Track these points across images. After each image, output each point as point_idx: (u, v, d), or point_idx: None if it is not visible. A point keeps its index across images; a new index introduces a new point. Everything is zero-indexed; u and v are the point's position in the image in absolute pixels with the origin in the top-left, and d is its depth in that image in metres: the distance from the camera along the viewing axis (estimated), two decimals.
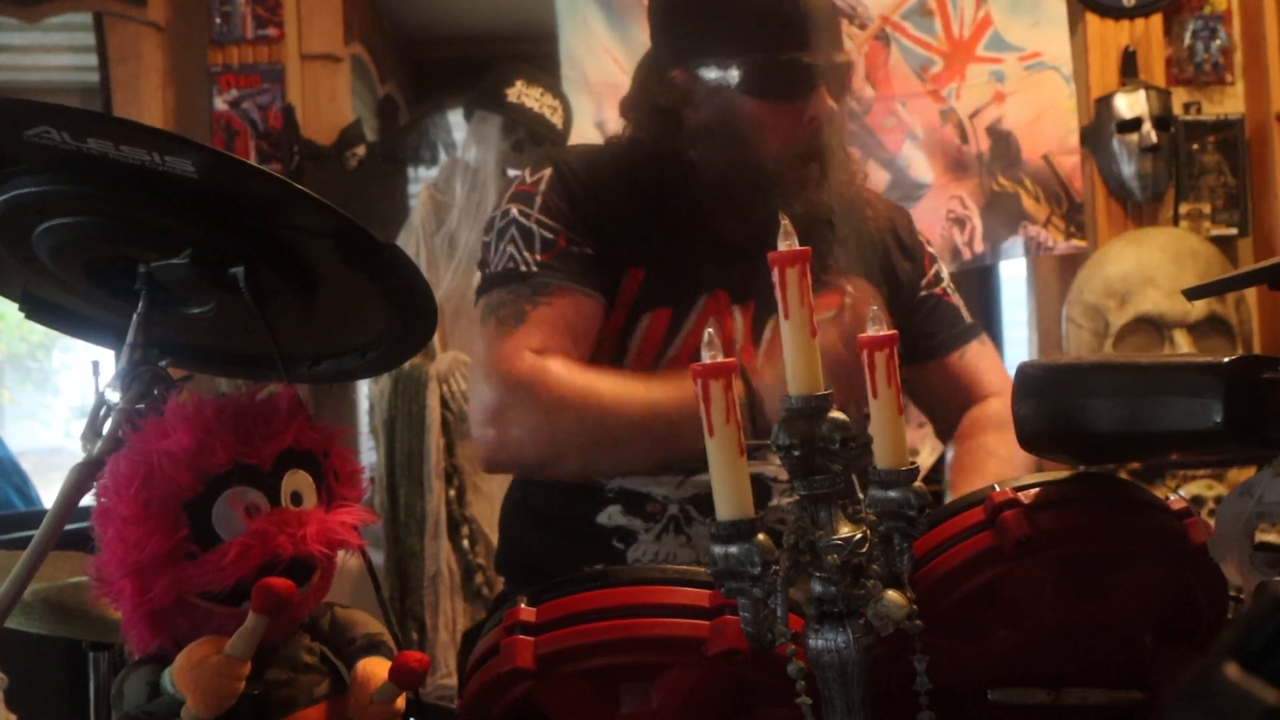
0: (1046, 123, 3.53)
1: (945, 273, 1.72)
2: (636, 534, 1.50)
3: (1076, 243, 3.54)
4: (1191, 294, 1.11)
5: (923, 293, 1.67)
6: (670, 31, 1.59)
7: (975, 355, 1.68)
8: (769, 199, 1.48)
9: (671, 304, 1.52)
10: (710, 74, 1.52)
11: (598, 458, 1.47)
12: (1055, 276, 3.71)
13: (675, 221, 1.54)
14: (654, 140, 1.57)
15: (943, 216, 3.51)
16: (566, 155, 1.61)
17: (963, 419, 1.66)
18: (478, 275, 1.58)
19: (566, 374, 1.44)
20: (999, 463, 1.56)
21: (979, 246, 3.55)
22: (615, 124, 1.69)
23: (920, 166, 3.55)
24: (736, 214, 1.53)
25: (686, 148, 1.55)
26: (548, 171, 1.56)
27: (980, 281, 4.13)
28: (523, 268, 1.51)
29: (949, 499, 1.56)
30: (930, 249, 1.72)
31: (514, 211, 1.54)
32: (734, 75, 1.51)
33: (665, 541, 1.50)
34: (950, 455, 1.67)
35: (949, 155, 3.55)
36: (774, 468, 1.47)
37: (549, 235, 1.51)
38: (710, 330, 0.85)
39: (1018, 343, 3.99)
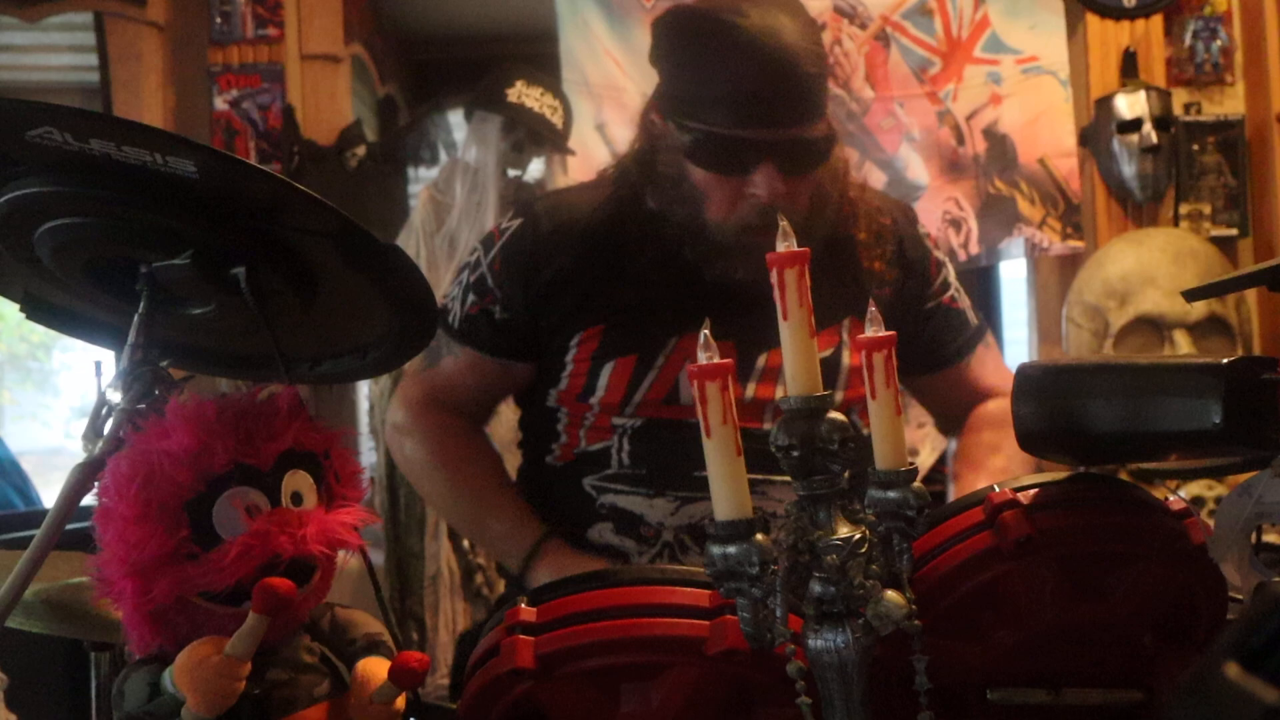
0: (1043, 126, 3.54)
1: (951, 274, 1.69)
2: (629, 556, 1.49)
3: (1073, 243, 3.56)
4: (1191, 295, 1.11)
5: (930, 304, 1.64)
6: (657, 70, 1.56)
7: (981, 358, 1.68)
8: (718, 262, 1.47)
9: (635, 351, 1.51)
10: (673, 127, 1.48)
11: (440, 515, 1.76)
12: (1055, 276, 3.71)
13: (644, 265, 1.52)
14: (631, 177, 1.56)
15: (939, 218, 3.53)
16: (539, 207, 1.60)
17: (969, 416, 1.66)
18: None
19: (422, 446, 1.66)
20: (1003, 458, 1.56)
21: (974, 248, 3.57)
22: (615, 126, 1.70)
23: (917, 168, 3.56)
24: (690, 275, 1.51)
25: (650, 195, 1.53)
26: (516, 224, 1.59)
27: (980, 281, 4.13)
28: (450, 317, 1.60)
29: (951, 488, 1.57)
30: (937, 253, 1.68)
31: (473, 258, 1.62)
32: (685, 137, 1.46)
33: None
34: (953, 447, 1.68)
35: (945, 157, 3.56)
36: (774, 503, 1.44)
37: (475, 296, 1.58)
38: (706, 332, 0.85)
39: (1018, 343, 3.99)
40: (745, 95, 1.42)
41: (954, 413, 1.69)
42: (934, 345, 1.64)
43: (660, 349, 1.51)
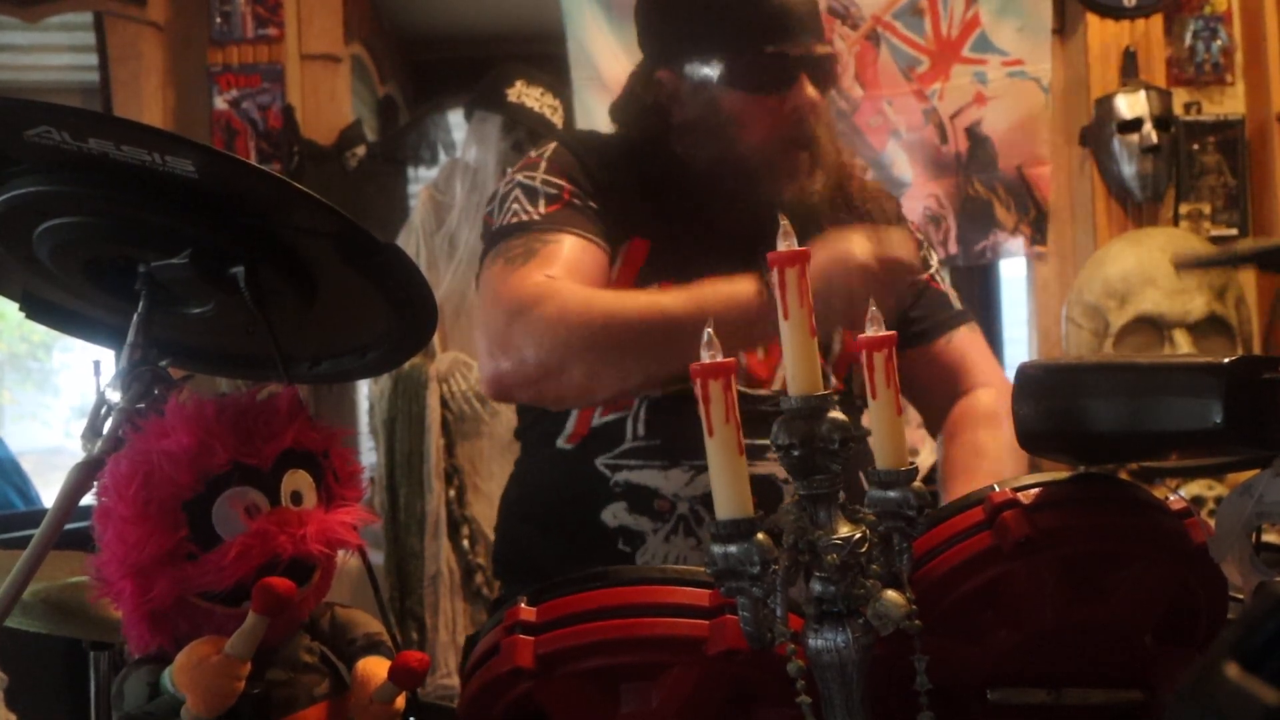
0: (1023, 134, 3.61)
1: (934, 259, 1.72)
2: (644, 535, 1.48)
3: (1039, 249, 3.67)
4: (1180, 264, 1.11)
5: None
6: (655, 33, 1.65)
7: (963, 341, 1.67)
8: (757, 187, 1.53)
9: (675, 279, 1.50)
10: (694, 71, 1.57)
11: (601, 369, 1.39)
12: (1055, 276, 3.71)
13: (672, 210, 1.56)
14: (643, 137, 1.62)
15: (920, 214, 3.57)
16: (569, 135, 1.67)
17: (951, 411, 1.64)
18: (480, 246, 1.62)
19: (572, 287, 1.43)
20: (991, 463, 1.54)
21: (953, 248, 3.62)
22: None
23: (902, 165, 3.61)
24: (728, 205, 1.54)
25: (673, 143, 1.59)
26: (552, 145, 1.63)
27: (980, 281, 4.14)
28: (526, 218, 1.53)
29: (942, 497, 1.55)
30: (919, 235, 1.72)
31: (519, 177, 1.59)
32: (716, 71, 1.55)
33: (674, 543, 1.48)
34: (940, 454, 1.65)
35: (928, 154, 3.62)
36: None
37: (553, 191, 1.55)
38: (709, 330, 0.85)
39: (1018, 343, 3.99)
40: (779, 13, 1.54)
41: (935, 401, 1.67)
42: (912, 318, 1.65)
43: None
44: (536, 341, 1.40)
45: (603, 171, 1.59)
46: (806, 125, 1.55)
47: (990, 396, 1.62)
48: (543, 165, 1.59)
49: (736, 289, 1.37)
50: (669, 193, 1.57)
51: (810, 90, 1.54)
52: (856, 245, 1.37)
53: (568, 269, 1.46)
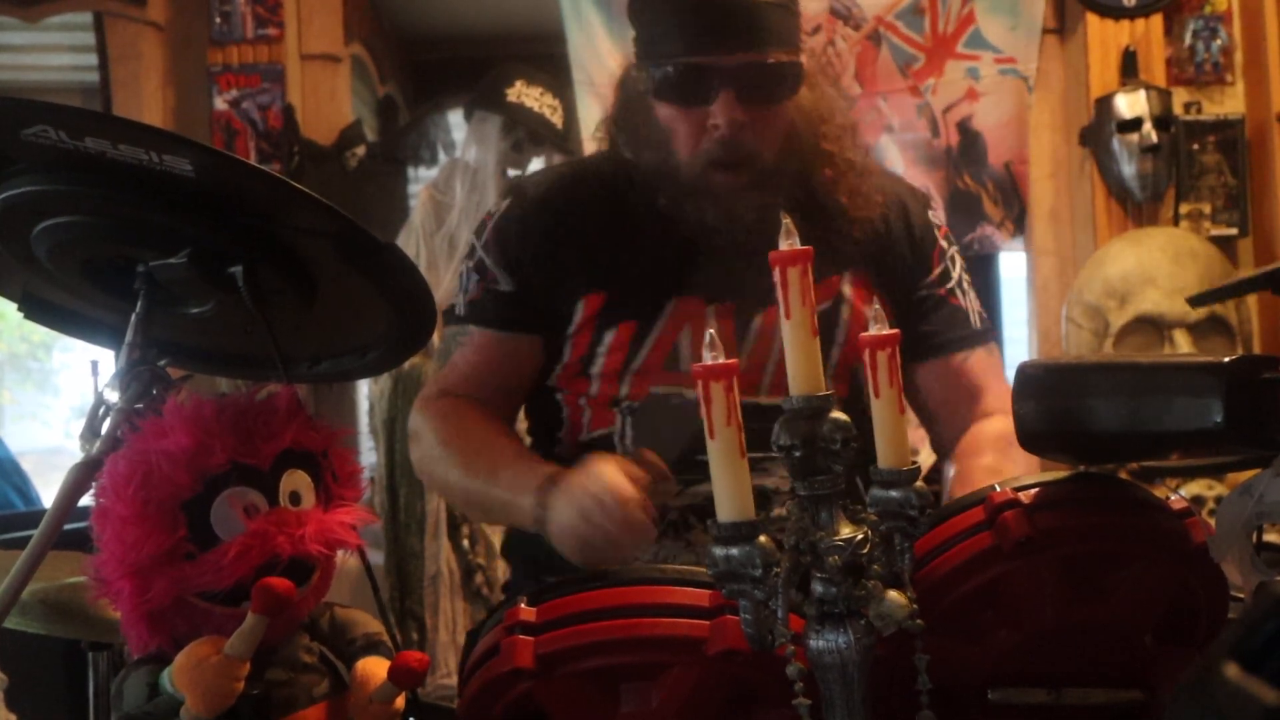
0: (1011, 130, 3.64)
1: (957, 271, 1.64)
2: None
3: (1021, 245, 3.76)
4: (1194, 301, 1.11)
5: (923, 292, 1.60)
6: (633, 31, 1.60)
7: (980, 363, 1.61)
8: (697, 203, 1.48)
9: (636, 316, 1.51)
10: (643, 74, 1.53)
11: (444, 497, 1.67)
12: (1055, 276, 3.71)
13: (635, 227, 1.52)
14: (610, 135, 1.61)
15: None
16: (528, 183, 1.66)
17: (963, 437, 1.59)
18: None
19: (432, 436, 1.57)
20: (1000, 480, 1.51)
21: None
22: None
23: (894, 159, 3.63)
24: (686, 214, 1.51)
25: (624, 144, 1.57)
26: (505, 203, 1.61)
27: (980, 281, 4.14)
28: (458, 310, 1.60)
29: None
30: (945, 244, 1.64)
31: (469, 248, 1.63)
32: (652, 77, 1.49)
33: (665, 545, 1.49)
34: (950, 473, 1.58)
35: (919, 148, 3.65)
36: (775, 479, 1.45)
37: (476, 277, 1.59)
38: (711, 332, 0.85)
39: (1018, 343, 3.99)
40: (700, 21, 1.45)
41: (945, 418, 1.62)
42: (925, 334, 1.59)
43: (658, 313, 1.51)
44: (416, 470, 1.68)
45: (552, 227, 1.55)
46: (734, 143, 1.45)
47: (1004, 424, 1.56)
48: (486, 233, 1.59)
49: (520, 505, 1.42)
50: (631, 206, 1.53)
51: (733, 109, 1.43)
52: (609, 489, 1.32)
53: (470, 380, 1.59)
